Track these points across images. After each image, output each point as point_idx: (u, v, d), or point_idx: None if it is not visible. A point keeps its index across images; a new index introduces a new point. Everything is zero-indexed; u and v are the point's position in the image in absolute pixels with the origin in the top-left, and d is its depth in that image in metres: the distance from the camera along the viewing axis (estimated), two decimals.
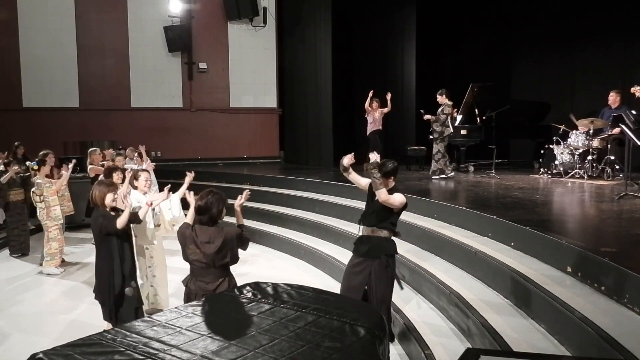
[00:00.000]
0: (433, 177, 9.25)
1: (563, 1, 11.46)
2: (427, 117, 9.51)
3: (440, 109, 9.29)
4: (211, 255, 3.66)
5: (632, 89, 7.43)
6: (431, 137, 9.59)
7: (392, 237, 4.49)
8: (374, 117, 10.78)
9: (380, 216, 4.39)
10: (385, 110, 10.81)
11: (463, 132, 10.60)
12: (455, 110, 9.84)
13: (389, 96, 10.68)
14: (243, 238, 3.87)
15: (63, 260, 7.49)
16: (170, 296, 5.57)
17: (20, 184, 7.92)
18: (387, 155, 13.49)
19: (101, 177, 6.55)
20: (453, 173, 9.45)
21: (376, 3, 14.06)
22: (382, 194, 4.21)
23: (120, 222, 4.38)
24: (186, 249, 3.74)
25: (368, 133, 10.87)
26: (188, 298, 3.76)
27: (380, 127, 10.95)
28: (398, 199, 4.30)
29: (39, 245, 7.81)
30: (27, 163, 8.01)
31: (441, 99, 9.30)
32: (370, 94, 10.73)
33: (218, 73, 14.30)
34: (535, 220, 5.19)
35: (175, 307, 3.23)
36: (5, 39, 12.92)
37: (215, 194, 3.80)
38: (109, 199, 4.53)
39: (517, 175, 9.60)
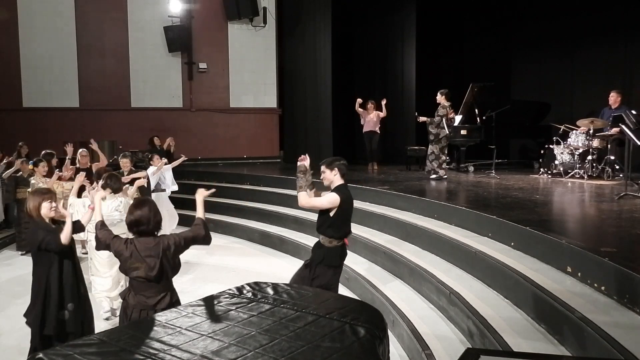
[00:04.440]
0: (430, 177, 9.25)
1: (563, 1, 11.46)
2: (421, 119, 9.54)
3: (436, 111, 9.24)
4: (155, 270, 3.41)
5: None
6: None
7: (335, 245, 4.26)
8: (367, 118, 11.22)
9: (319, 221, 4.34)
10: (382, 114, 11.19)
11: (463, 132, 10.60)
12: (453, 111, 9.83)
13: (384, 102, 11.10)
14: (196, 235, 3.61)
15: None
16: None
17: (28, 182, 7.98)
18: (387, 155, 13.61)
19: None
20: (446, 175, 9.29)
21: (376, 3, 14.06)
22: (300, 198, 4.21)
23: (65, 236, 3.88)
24: (126, 264, 3.42)
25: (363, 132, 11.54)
26: (125, 312, 3.47)
27: (374, 129, 11.29)
28: (322, 200, 4.21)
29: None
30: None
31: (440, 98, 9.23)
32: (359, 101, 11.19)
33: (218, 73, 14.29)
34: (535, 220, 5.19)
35: (175, 307, 3.23)
36: (5, 39, 12.92)
37: (150, 202, 3.55)
38: (45, 208, 3.99)
39: (517, 175, 9.59)
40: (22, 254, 8.11)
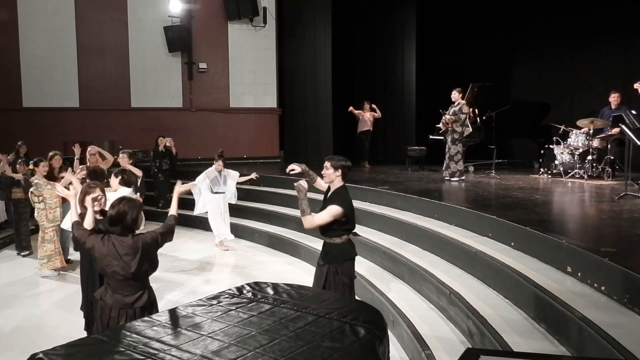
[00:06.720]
0: (452, 179, 8.84)
1: (563, 2, 11.46)
2: (447, 117, 9.14)
3: (457, 108, 8.90)
4: (133, 268, 3.40)
5: (635, 85, 7.40)
6: (436, 136, 9.57)
7: (348, 241, 4.30)
8: (364, 118, 11.93)
9: (327, 228, 4.28)
10: (377, 115, 11.97)
11: None
12: (472, 109, 9.69)
13: (376, 107, 12.00)
14: (168, 231, 3.65)
15: (69, 261, 7.40)
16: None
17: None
18: (387, 155, 13.68)
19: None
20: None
21: (376, 3, 14.07)
22: (306, 222, 4.18)
23: (88, 223, 3.84)
24: (102, 261, 3.40)
25: (358, 132, 12.24)
26: (103, 312, 3.46)
27: (369, 128, 12.01)
28: (324, 216, 4.15)
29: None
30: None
31: (457, 96, 8.97)
32: (350, 109, 12.03)
33: (218, 73, 14.29)
34: (535, 220, 5.19)
35: (175, 307, 3.23)
36: (5, 39, 12.91)
37: (128, 202, 3.51)
38: (88, 201, 4.12)
39: (517, 175, 9.59)
40: (18, 254, 8.00)
